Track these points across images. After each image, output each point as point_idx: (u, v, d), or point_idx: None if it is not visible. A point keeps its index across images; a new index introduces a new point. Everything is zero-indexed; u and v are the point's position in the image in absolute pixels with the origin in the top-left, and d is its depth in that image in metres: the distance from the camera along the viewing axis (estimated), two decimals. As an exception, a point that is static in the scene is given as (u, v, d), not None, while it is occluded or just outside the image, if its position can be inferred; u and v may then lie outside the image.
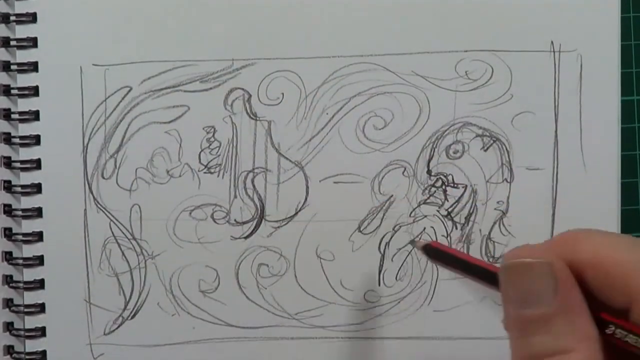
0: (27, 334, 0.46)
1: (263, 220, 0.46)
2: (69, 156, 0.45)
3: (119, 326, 0.46)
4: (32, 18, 0.45)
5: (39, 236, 0.45)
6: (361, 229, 0.46)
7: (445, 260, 0.39)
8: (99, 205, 0.45)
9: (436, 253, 0.40)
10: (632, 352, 0.29)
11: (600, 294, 0.29)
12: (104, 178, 0.45)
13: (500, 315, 0.43)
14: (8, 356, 0.46)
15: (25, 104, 0.45)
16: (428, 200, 0.46)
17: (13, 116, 0.45)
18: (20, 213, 0.45)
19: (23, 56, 0.45)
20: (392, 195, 0.46)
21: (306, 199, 0.46)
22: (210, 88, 0.45)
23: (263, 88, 0.45)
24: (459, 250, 0.43)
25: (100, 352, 0.46)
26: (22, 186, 0.45)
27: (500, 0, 0.45)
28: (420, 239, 0.45)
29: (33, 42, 0.45)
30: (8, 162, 0.45)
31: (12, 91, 0.45)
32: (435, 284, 0.46)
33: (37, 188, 0.45)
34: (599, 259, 0.29)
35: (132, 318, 0.46)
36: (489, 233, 0.46)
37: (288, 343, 0.46)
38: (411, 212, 0.46)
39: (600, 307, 0.29)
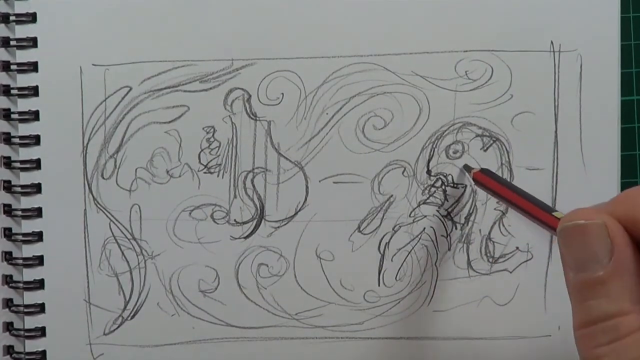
0: (26, 334, 0.46)
1: (263, 220, 0.46)
2: (68, 156, 0.45)
3: (118, 326, 0.46)
4: (32, 18, 0.45)
5: (38, 236, 0.45)
6: (361, 229, 0.46)
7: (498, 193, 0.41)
8: (98, 205, 0.45)
9: (482, 184, 0.43)
10: None
11: None
12: (103, 178, 0.45)
13: (501, 315, 0.43)
14: (8, 356, 0.46)
15: (25, 104, 0.45)
16: (428, 201, 0.46)
17: (13, 116, 0.45)
18: (20, 213, 0.45)
19: (23, 56, 0.45)
20: (392, 196, 0.46)
21: (306, 199, 0.46)
22: (210, 88, 0.45)
23: (263, 88, 0.45)
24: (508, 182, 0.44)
25: (100, 352, 0.46)
26: (22, 186, 0.45)
27: (500, 0, 0.45)
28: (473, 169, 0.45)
29: (33, 42, 0.45)
30: (8, 162, 0.45)
31: (12, 91, 0.45)
32: (435, 284, 0.46)
33: (36, 188, 0.45)
34: None
35: (131, 318, 0.46)
36: (489, 233, 0.46)
37: (288, 343, 0.46)
38: (411, 212, 0.46)
39: None
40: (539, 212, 0.37)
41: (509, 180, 0.46)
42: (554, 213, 0.36)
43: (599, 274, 0.29)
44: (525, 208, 0.39)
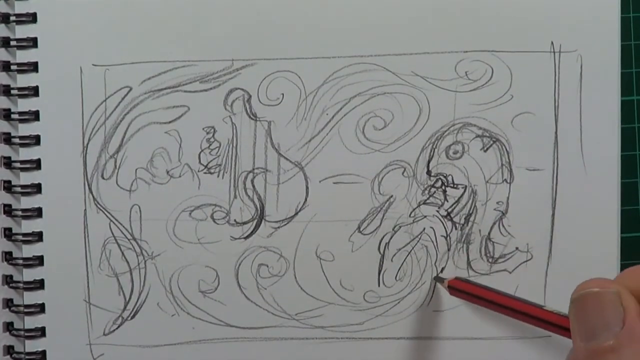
0: (27, 334, 0.46)
1: (263, 220, 0.46)
2: (68, 156, 0.45)
3: (118, 326, 0.46)
4: (32, 18, 0.45)
5: (38, 236, 0.45)
6: (361, 230, 0.46)
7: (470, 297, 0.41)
8: (98, 206, 0.45)
9: (460, 290, 0.43)
10: None
11: None
12: (103, 178, 0.45)
13: (501, 315, 0.43)
14: (8, 356, 0.46)
15: (25, 104, 0.45)
16: (428, 201, 0.46)
17: (13, 116, 0.45)
18: (20, 213, 0.45)
19: (23, 56, 0.45)
20: (392, 196, 0.46)
21: (306, 199, 0.46)
22: (210, 88, 0.45)
23: (263, 88, 0.45)
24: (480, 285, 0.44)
25: (100, 353, 0.46)
26: (22, 186, 0.45)
27: (500, 0, 0.45)
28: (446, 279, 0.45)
29: (33, 42, 0.45)
30: (8, 162, 0.45)
31: (12, 91, 0.45)
32: (435, 284, 0.46)
33: (37, 188, 0.45)
34: None
35: (132, 318, 0.46)
36: (489, 233, 0.46)
37: (288, 343, 0.46)
38: (411, 213, 0.46)
39: None
40: (531, 309, 0.38)
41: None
42: (544, 308, 0.37)
43: (610, 342, 0.29)
44: (515, 307, 0.39)
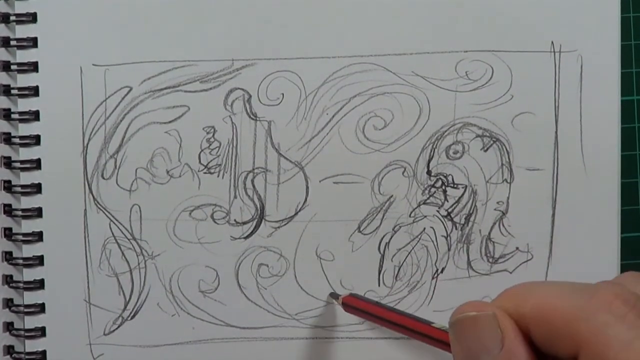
0: (27, 334, 0.46)
1: (263, 220, 0.46)
2: (69, 156, 0.45)
3: (118, 326, 0.46)
4: (32, 18, 0.45)
5: (38, 236, 0.45)
6: (361, 229, 0.46)
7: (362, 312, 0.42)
8: (98, 206, 0.45)
9: (354, 307, 0.43)
10: None
11: (548, 348, 0.29)
12: (104, 178, 0.45)
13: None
14: (8, 356, 0.46)
15: (25, 104, 0.45)
16: (428, 201, 0.46)
17: (13, 116, 0.45)
18: (20, 213, 0.45)
19: (23, 56, 0.45)
20: (392, 196, 0.46)
21: (306, 199, 0.46)
22: (210, 88, 0.45)
23: (263, 88, 0.45)
24: (375, 302, 0.43)
25: (100, 353, 0.46)
26: (22, 186, 0.45)
27: (500, 0, 0.45)
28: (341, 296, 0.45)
29: (33, 42, 0.45)
30: (8, 162, 0.45)
31: (12, 91, 0.45)
32: (435, 284, 0.46)
33: (37, 188, 0.45)
34: (542, 310, 0.29)
35: (132, 318, 0.46)
36: (489, 233, 0.46)
37: (288, 343, 0.46)
38: (411, 213, 0.46)
39: None
40: (420, 326, 0.38)
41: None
42: (432, 325, 0.37)
43: None
44: (404, 324, 0.39)
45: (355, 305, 0.43)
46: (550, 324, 0.29)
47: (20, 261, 0.45)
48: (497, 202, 0.46)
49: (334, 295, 0.46)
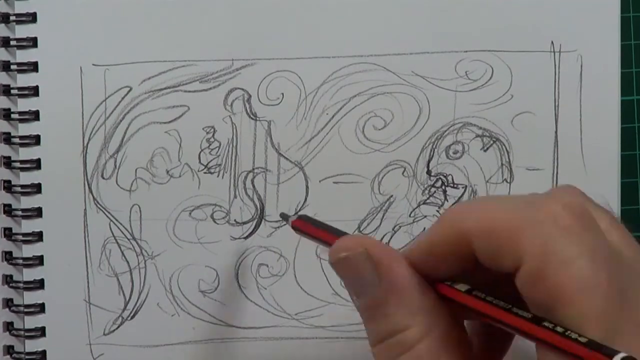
0: (27, 334, 0.45)
1: (263, 220, 0.46)
2: (68, 156, 0.45)
3: (118, 326, 0.46)
4: (32, 18, 0.45)
5: (38, 236, 0.45)
6: (361, 229, 0.46)
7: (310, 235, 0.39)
8: (98, 206, 0.45)
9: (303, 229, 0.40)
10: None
11: (491, 263, 0.28)
12: (103, 178, 0.45)
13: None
14: (8, 356, 0.46)
15: (25, 104, 0.45)
16: (428, 201, 0.46)
17: (13, 116, 0.45)
18: (20, 213, 0.45)
19: (23, 56, 0.45)
20: (391, 196, 0.46)
21: (306, 199, 0.46)
22: (210, 88, 0.45)
23: (263, 88, 0.45)
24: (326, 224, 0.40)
25: (100, 352, 0.46)
26: (22, 186, 0.45)
27: (500, 0, 0.45)
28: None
29: (33, 42, 0.45)
30: (8, 162, 0.45)
31: (12, 91, 0.45)
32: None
33: (37, 188, 0.45)
34: (486, 223, 0.28)
35: (131, 318, 0.46)
36: (489, 233, 0.46)
37: (288, 343, 0.46)
38: (411, 213, 0.46)
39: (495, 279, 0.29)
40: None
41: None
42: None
43: (373, 297, 0.30)
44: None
45: (304, 229, 0.40)
46: (493, 237, 0.28)
47: (20, 261, 0.45)
48: (497, 202, 0.46)
49: (283, 216, 0.44)
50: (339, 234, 0.36)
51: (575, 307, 0.26)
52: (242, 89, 0.45)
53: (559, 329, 0.26)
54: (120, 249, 0.46)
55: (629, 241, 0.30)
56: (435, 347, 0.29)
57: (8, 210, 0.46)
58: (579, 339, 0.25)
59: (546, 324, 0.26)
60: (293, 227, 0.41)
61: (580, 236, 0.27)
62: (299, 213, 0.45)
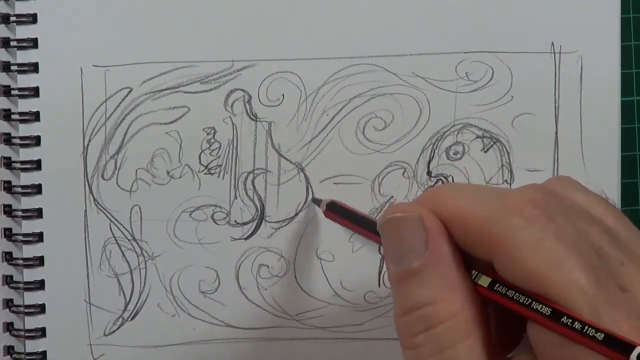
0: (27, 334, 0.46)
1: (263, 221, 0.46)
2: (69, 157, 0.45)
3: (119, 327, 0.46)
4: (33, 19, 0.45)
5: (39, 237, 0.45)
6: (361, 230, 0.46)
7: (343, 218, 0.40)
8: (99, 206, 0.45)
9: (337, 210, 0.41)
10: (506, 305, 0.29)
11: (468, 250, 0.30)
12: (104, 179, 0.45)
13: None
14: (8, 356, 0.46)
15: (25, 105, 0.45)
16: (428, 202, 0.46)
17: (13, 117, 0.45)
18: (20, 214, 0.45)
19: (23, 57, 0.45)
20: (392, 197, 0.46)
21: (306, 200, 0.46)
22: (211, 89, 0.45)
23: (263, 89, 0.45)
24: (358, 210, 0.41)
25: (100, 353, 0.46)
26: (22, 187, 0.45)
27: (500, 1, 0.45)
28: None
29: (33, 43, 0.45)
30: (8, 163, 0.45)
31: (12, 92, 0.45)
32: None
33: (37, 189, 0.45)
34: (459, 214, 0.30)
35: (132, 319, 0.46)
36: (489, 234, 0.46)
37: (288, 344, 0.46)
38: (411, 213, 0.46)
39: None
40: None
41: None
42: None
43: (415, 264, 0.30)
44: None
45: (336, 212, 0.42)
46: (466, 228, 0.29)
47: (21, 262, 0.45)
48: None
49: (315, 201, 0.45)
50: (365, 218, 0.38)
51: (554, 287, 0.27)
52: (243, 90, 0.45)
53: (577, 325, 0.27)
54: (121, 250, 0.46)
55: (626, 224, 0.30)
56: (467, 325, 0.29)
57: (8, 210, 0.46)
58: (596, 335, 0.26)
59: (564, 319, 0.27)
60: (327, 209, 0.42)
61: (545, 224, 0.28)
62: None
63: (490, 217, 0.29)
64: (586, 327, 0.26)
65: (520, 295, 0.28)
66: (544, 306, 0.28)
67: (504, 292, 0.29)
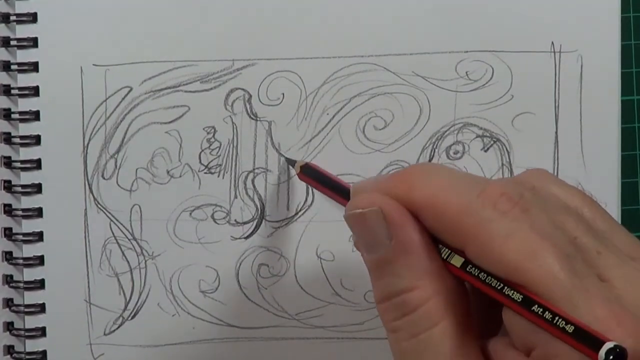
0: (27, 334, 0.45)
1: (263, 220, 0.46)
2: (69, 156, 0.45)
3: (119, 326, 0.46)
4: (33, 18, 0.45)
5: (39, 236, 0.45)
6: (361, 229, 0.46)
7: (316, 182, 0.40)
8: (99, 206, 0.45)
9: (311, 173, 0.41)
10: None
11: (438, 236, 0.30)
12: (104, 178, 0.45)
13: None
14: (8, 356, 0.46)
15: (25, 104, 0.45)
16: (428, 201, 0.46)
17: (13, 116, 0.45)
18: (20, 213, 0.45)
19: (23, 56, 0.45)
20: (392, 196, 0.46)
21: (306, 199, 0.46)
22: (211, 88, 0.45)
23: (263, 88, 0.45)
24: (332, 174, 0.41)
25: (100, 352, 0.46)
26: (23, 186, 0.45)
27: (500, 0, 0.45)
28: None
29: (33, 42, 0.45)
30: (8, 162, 0.45)
31: (12, 91, 0.45)
32: (435, 284, 0.46)
33: (37, 188, 0.45)
34: (431, 203, 0.30)
35: (132, 318, 0.46)
36: (489, 233, 0.46)
37: (288, 343, 0.46)
38: (411, 213, 0.46)
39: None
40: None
41: None
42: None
43: (383, 254, 0.30)
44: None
45: (310, 174, 0.42)
46: (438, 217, 0.30)
47: (21, 261, 0.45)
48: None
49: (289, 161, 0.45)
50: (343, 188, 0.37)
51: (527, 275, 0.27)
52: (243, 89, 0.45)
53: (547, 315, 0.27)
54: (121, 249, 0.46)
55: (602, 214, 0.31)
56: (438, 310, 0.29)
57: (8, 210, 0.46)
58: (566, 327, 0.26)
59: (535, 308, 0.27)
60: (301, 172, 0.42)
61: (518, 215, 0.28)
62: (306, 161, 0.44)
63: (463, 209, 0.29)
64: (557, 318, 0.26)
65: (493, 279, 0.28)
66: (515, 292, 0.28)
67: (476, 274, 0.29)
